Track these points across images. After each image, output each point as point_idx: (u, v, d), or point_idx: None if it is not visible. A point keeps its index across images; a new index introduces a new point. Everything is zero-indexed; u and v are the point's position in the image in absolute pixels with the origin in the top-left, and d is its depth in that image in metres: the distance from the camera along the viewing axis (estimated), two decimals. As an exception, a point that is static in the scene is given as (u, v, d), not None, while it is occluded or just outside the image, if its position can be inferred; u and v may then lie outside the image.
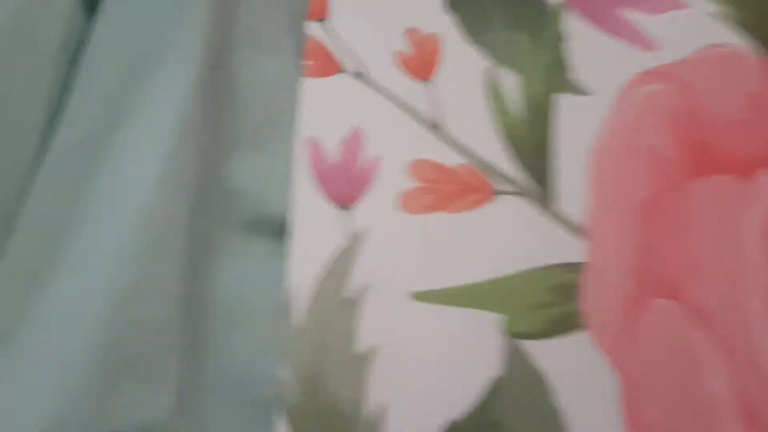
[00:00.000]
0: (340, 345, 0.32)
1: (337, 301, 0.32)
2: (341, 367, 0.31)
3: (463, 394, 0.31)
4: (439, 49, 0.36)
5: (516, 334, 0.32)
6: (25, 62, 0.32)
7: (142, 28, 0.34)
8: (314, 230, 0.33)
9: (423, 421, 0.31)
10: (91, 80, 0.33)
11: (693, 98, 0.35)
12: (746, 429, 0.31)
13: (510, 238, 0.33)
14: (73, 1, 0.34)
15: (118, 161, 0.31)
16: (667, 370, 0.32)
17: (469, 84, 0.36)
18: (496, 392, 0.31)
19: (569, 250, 0.33)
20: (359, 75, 0.36)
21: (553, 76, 0.36)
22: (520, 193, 0.34)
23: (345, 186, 0.34)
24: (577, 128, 0.35)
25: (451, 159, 0.35)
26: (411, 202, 0.34)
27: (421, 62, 0.36)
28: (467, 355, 0.32)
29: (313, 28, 0.37)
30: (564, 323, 0.32)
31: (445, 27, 0.37)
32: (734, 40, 0.36)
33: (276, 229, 0.34)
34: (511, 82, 0.36)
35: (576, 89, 0.35)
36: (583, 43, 0.36)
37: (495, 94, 0.36)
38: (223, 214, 0.34)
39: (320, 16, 0.37)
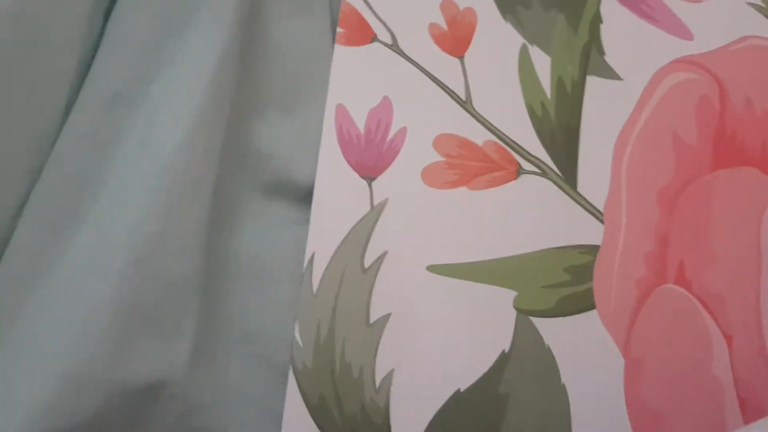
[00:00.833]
0: (354, 311, 0.32)
1: (354, 269, 0.33)
2: (354, 332, 0.32)
3: (471, 366, 0.32)
4: (474, 24, 0.36)
5: (528, 311, 0.32)
6: (59, 12, 0.32)
7: None
8: (336, 198, 0.34)
9: (430, 388, 0.32)
10: (125, 32, 0.33)
11: (723, 90, 0.35)
12: (746, 414, 0.31)
13: (530, 217, 0.34)
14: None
15: (149, 117, 0.31)
16: (673, 354, 0.32)
17: (502, 61, 0.36)
18: (502, 366, 0.32)
19: (588, 232, 0.33)
20: (392, 45, 0.36)
21: (587, 58, 0.36)
22: (543, 173, 0.34)
23: (370, 156, 0.34)
24: (606, 112, 0.35)
25: (478, 136, 0.35)
26: (434, 177, 0.34)
27: (455, 36, 0.36)
28: (478, 328, 0.32)
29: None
30: (575, 303, 0.32)
31: (482, 2, 0.37)
32: (771, 32, 0.36)
33: (299, 194, 0.34)
34: (543, 62, 0.36)
35: (608, 73, 0.35)
36: (619, 27, 0.36)
37: (527, 73, 0.35)
38: (249, 175, 0.34)
39: (356, -16, 0.37)
